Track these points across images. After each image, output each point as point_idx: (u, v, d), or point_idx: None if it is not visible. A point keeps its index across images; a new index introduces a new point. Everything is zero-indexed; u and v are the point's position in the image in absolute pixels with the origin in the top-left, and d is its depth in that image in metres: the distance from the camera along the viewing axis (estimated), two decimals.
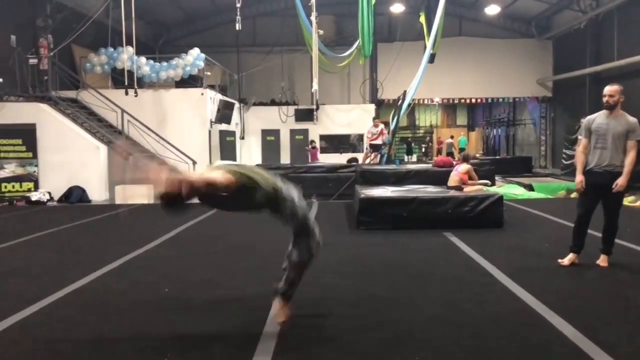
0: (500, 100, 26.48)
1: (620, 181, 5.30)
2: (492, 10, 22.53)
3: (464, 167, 9.72)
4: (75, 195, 13.42)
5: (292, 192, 3.74)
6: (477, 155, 28.01)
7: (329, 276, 5.39)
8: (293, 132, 21.74)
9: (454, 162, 11.02)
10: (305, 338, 3.75)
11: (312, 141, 20.34)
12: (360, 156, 18.77)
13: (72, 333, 3.93)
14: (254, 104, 21.87)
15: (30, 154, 13.77)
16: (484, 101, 27.03)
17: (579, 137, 5.78)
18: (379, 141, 16.09)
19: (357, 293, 4.85)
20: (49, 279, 5.53)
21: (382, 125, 16.40)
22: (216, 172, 3.47)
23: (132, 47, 15.21)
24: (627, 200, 10.16)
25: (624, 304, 4.45)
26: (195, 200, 3.50)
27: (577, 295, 4.75)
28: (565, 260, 5.66)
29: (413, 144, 29.89)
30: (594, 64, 19.66)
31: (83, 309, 4.51)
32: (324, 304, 4.52)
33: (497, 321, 4.04)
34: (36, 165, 13.83)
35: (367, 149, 16.06)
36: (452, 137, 29.68)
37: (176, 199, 3.31)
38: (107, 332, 3.95)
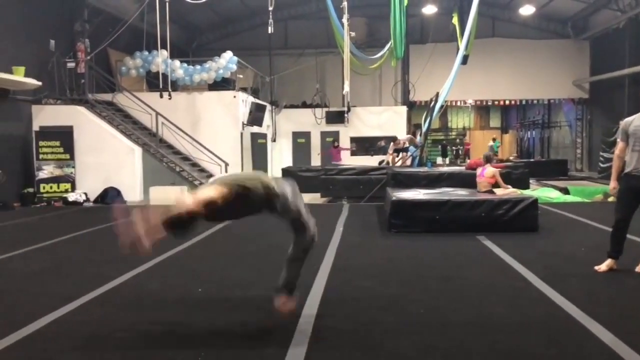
0: (535, 102, 26.03)
1: None
2: (527, 10, 22.17)
3: (490, 171, 9.50)
4: (110, 196, 13.68)
5: (286, 188, 3.89)
6: (511, 157, 27.62)
7: (361, 279, 5.39)
8: (324, 135, 21.71)
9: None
10: (338, 339, 3.75)
11: (334, 140, 20.08)
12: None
13: (108, 331, 4.00)
14: (285, 107, 21.96)
15: (67, 156, 14.09)
16: (517, 103, 26.60)
17: (618, 139, 5.63)
18: (406, 144, 16.14)
19: (389, 296, 4.82)
20: (85, 277, 5.64)
21: (406, 137, 16.48)
22: (208, 189, 3.61)
23: (167, 50, 15.46)
24: None
25: None
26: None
27: (615, 301, 4.63)
28: (603, 266, 5.50)
29: (448, 147, 29.51)
30: (634, 64, 19.13)
31: (119, 307, 4.59)
32: (357, 306, 4.50)
33: (532, 326, 3.96)
34: (73, 167, 14.14)
35: (392, 152, 16.25)
36: (494, 139, 29.22)
37: (180, 223, 3.47)
38: (142, 331, 4.02)
